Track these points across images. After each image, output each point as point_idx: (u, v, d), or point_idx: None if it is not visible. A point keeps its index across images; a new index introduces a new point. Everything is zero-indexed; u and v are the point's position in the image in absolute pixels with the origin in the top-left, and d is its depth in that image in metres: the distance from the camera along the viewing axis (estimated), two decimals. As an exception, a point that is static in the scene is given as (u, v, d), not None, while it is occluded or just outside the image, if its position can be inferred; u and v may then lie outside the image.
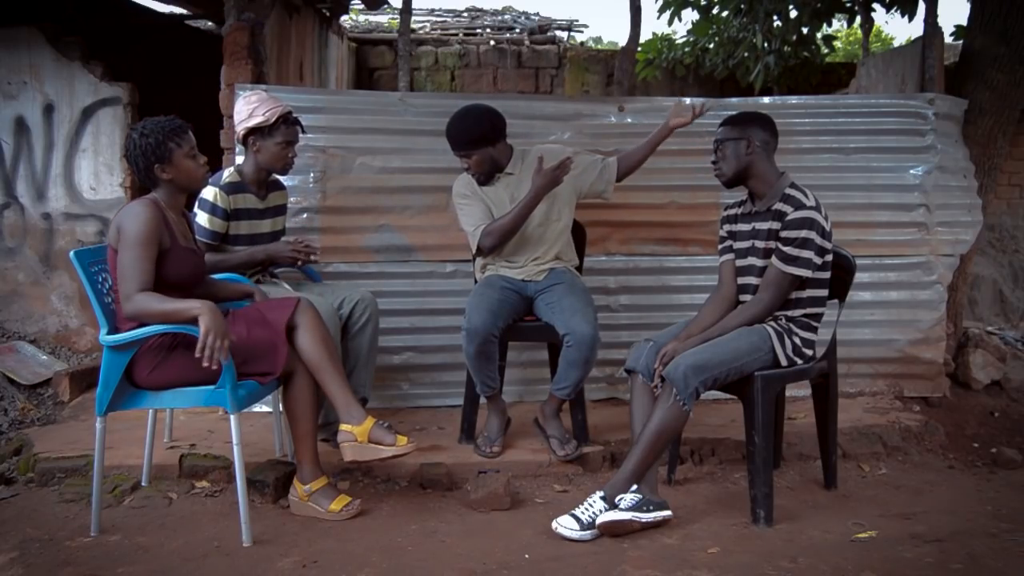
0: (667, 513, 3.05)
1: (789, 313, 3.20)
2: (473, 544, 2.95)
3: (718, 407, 4.15)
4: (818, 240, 3.10)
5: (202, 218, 3.57)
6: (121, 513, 3.24)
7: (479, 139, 3.62)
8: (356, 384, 3.63)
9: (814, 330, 3.23)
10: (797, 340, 3.16)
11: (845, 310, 3.43)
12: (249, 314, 3.16)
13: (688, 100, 4.03)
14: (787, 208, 3.13)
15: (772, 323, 3.17)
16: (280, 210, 3.93)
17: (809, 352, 3.23)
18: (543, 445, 3.71)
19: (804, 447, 3.81)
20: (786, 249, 3.10)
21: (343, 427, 3.13)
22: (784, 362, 3.13)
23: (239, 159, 4.06)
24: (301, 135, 3.75)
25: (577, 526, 2.96)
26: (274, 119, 3.60)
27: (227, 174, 3.69)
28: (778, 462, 3.61)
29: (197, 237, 3.34)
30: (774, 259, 3.13)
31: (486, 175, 3.73)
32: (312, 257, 3.76)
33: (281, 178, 3.91)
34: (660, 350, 3.14)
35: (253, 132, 3.63)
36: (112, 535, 3.02)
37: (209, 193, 3.58)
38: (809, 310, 3.20)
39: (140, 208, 2.94)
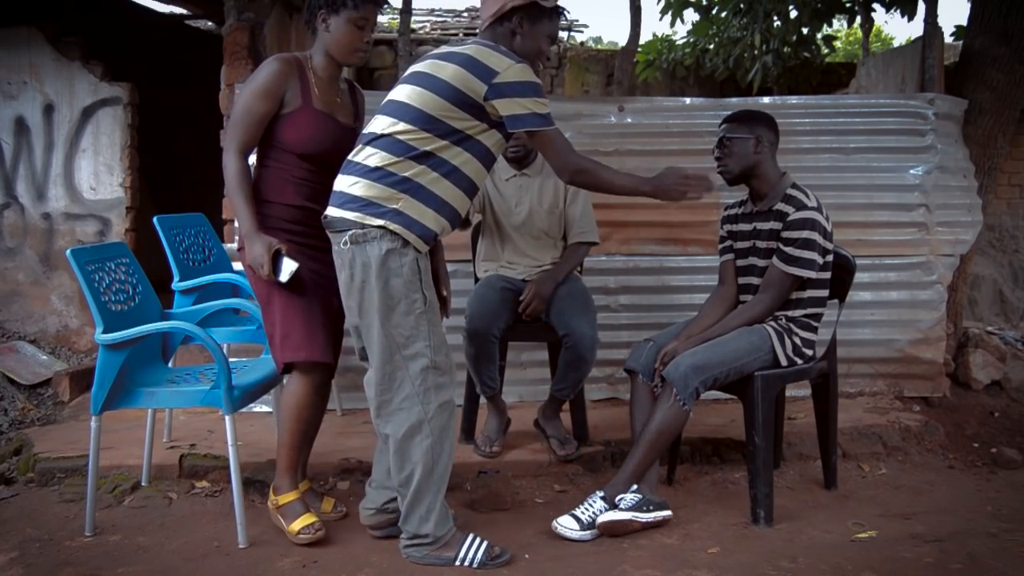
0: (667, 513, 3.05)
1: (789, 313, 3.20)
2: (473, 544, 2.95)
3: (718, 407, 4.15)
4: (820, 241, 3.10)
5: None
6: (121, 513, 3.24)
7: None
8: None
9: (814, 330, 3.23)
10: (797, 340, 3.16)
11: (845, 310, 3.43)
12: (319, 290, 2.92)
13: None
14: (789, 208, 3.13)
15: (772, 323, 3.17)
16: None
17: (809, 352, 3.23)
18: (543, 445, 3.72)
19: (804, 447, 3.81)
20: (788, 250, 3.10)
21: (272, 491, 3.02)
22: (784, 362, 3.13)
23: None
24: None
25: (577, 526, 2.95)
26: None
27: None
28: (778, 462, 3.61)
29: None
30: (775, 259, 3.13)
31: (523, 156, 3.73)
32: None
33: None
34: (660, 350, 3.14)
35: None
36: (112, 535, 3.02)
37: None
38: (810, 310, 3.20)
39: (272, 60, 2.83)
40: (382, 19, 9.95)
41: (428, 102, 2.59)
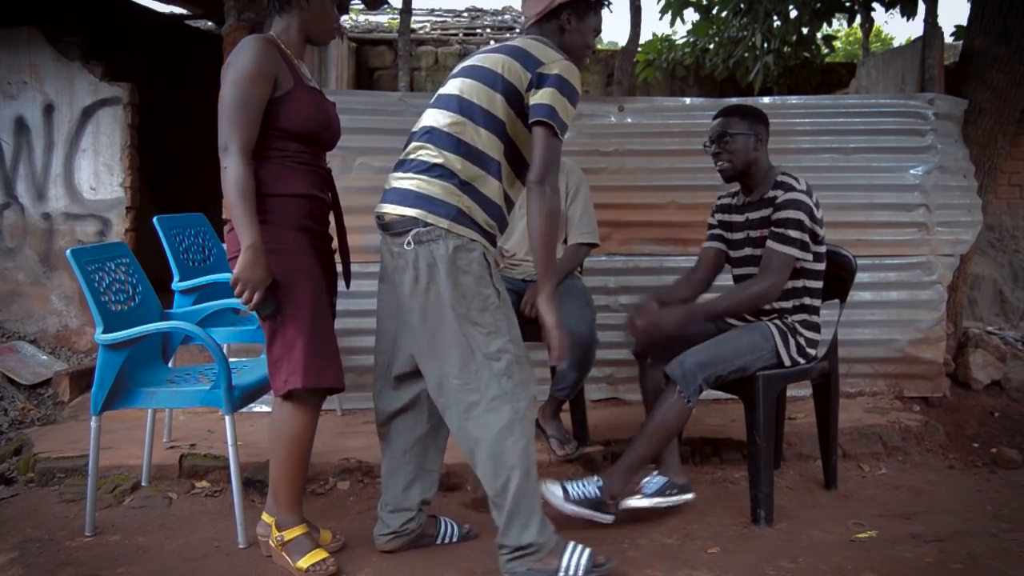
0: (690, 496, 3.11)
1: (789, 306, 3.18)
2: (473, 544, 2.95)
3: (719, 407, 4.15)
4: (808, 222, 3.07)
5: None
6: (121, 513, 3.24)
7: None
8: None
9: (817, 329, 3.23)
10: (802, 340, 3.16)
11: (845, 310, 3.43)
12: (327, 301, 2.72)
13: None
14: (778, 192, 3.13)
15: (777, 321, 3.17)
16: None
17: (812, 352, 3.23)
18: (543, 445, 3.71)
19: (804, 447, 3.81)
20: (778, 230, 3.08)
21: (266, 517, 2.81)
22: (787, 362, 3.13)
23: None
24: None
25: (561, 496, 2.97)
26: None
27: None
28: (778, 462, 3.61)
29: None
30: (769, 241, 3.11)
31: None
32: None
33: None
34: (638, 320, 3.09)
35: None
36: (112, 535, 3.02)
37: None
38: (807, 301, 3.18)
39: (250, 41, 2.53)
40: (382, 19, 9.97)
41: (479, 93, 2.55)
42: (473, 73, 2.59)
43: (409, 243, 2.50)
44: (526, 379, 2.60)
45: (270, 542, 2.74)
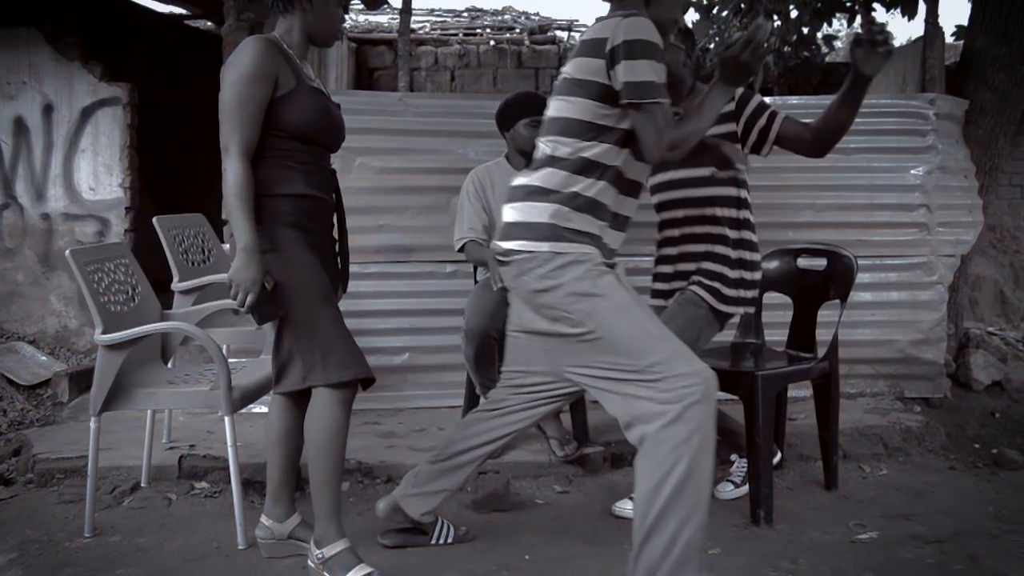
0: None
1: (701, 251, 3.08)
2: (473, 545, 2.94)
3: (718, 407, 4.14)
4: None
5: None
6: (120, 514, 3.24)
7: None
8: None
9: (741, 264, 3.06)
10: (729, 276, 3.02)
11: (846, 311, 3.43)
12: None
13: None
14: None
15: (693, 287, 3.04)
16: None
17: (750, 276, 3.06)
18: (543, 446, 3.72)
19: (805, 448, 3.81)
20: None
21: (265, 519, 2.77)
22: (727, 309, 3.00)
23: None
24: None
25: (732, 486, 3.37)
26: None
27: None
28: (780, 463, 3.61)
29: None
30: None
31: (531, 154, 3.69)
32: None
33: None
34: None
35: None
36: (111, 536, 3.02)
37: None
38: (713, 230, 3.06)
39: (251, 42, 2.49)
40: (382, 19, 9.97)
41: (574, 110, 2.41)
42: (559, 89, 2.50)
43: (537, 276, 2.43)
44: None
45: (309, 562, 2.59)
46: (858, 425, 4.02)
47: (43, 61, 5.13)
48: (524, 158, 3.62)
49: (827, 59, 8.36)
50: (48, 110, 5.15)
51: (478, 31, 9.48)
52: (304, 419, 2.58)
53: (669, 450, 2.18)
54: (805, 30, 7.15)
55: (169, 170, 7.12)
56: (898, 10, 5.67)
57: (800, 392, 4.14)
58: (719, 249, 3.04)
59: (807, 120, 2.92)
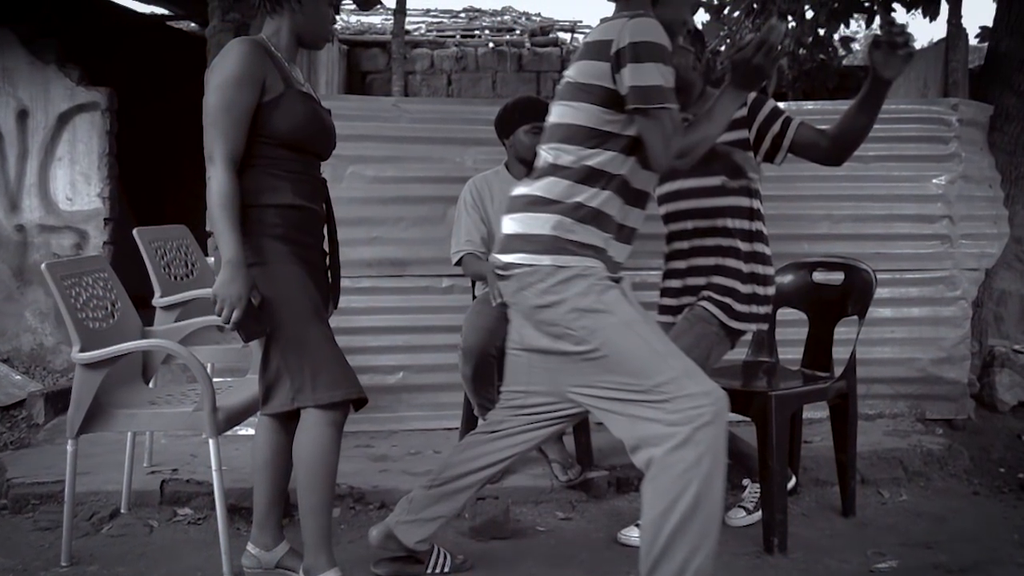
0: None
1: (711, 265, 3.10)
2: (471, 575, 2.95)
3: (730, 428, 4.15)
4: None
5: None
6: (99, 542, 3.25)
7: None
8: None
9: (752, 277, 3.08)
10: (740, 291, 3.03)
11: (864, 327, 3.44)
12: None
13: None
14: None
15: (703, 302, 3.05)
16: None
17: (762, 291, 3.08)
18: (544, 470, 3.73)
19: (821, 472, 3.82)
20: None
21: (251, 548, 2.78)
22: (738, 326, 3.02)
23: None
24: None
25: (744, 512, 3.39)
26: None
27: None
28: (795, 488, 3.62)
29: None
30: None
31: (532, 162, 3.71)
32: None
33: None
34: None
35: None
36: (89, 565, 3.03)
37: None
38: (723, 243, 3.08)
39: (236, 44, 2.49)
40: (375, 20, 10.02)
41: (577, 115, 2.43)
42: (562, 94, 2.52)
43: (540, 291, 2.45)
44: None
45: None
46: (877, 448, 4.03)
47: (17, 64, 5.17)
48: (525, 166, 3.65)
49: (844, 62, 8.38)
50: (23, 116, 5.18)
51: (476, 33, 9.52)
52: (293, 442, 2.59)
53: (678, 474, 2.20)
54: (821, 32, 7.18)
55: (151, 179, 7.16)
56: (919, 11, 5.71)
57: (816, 413, 4.15)
58: (730, 263, 3.07)
59: (823, 127, 2.93)
